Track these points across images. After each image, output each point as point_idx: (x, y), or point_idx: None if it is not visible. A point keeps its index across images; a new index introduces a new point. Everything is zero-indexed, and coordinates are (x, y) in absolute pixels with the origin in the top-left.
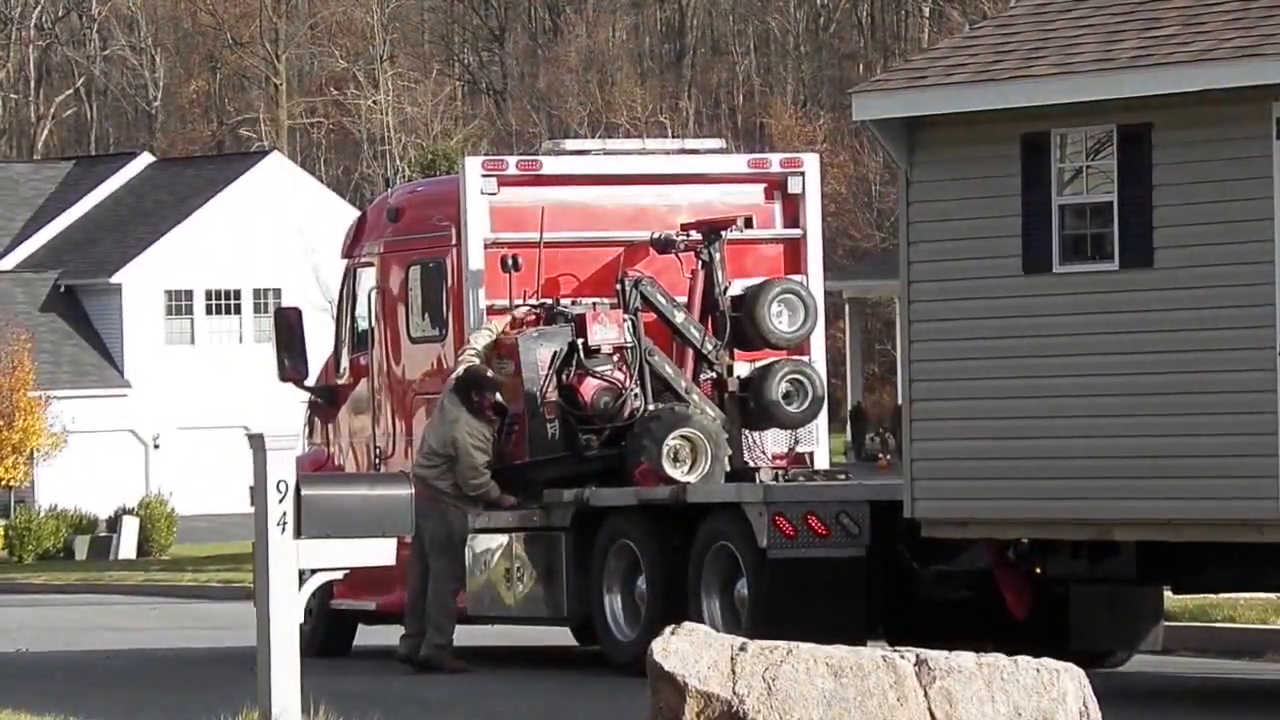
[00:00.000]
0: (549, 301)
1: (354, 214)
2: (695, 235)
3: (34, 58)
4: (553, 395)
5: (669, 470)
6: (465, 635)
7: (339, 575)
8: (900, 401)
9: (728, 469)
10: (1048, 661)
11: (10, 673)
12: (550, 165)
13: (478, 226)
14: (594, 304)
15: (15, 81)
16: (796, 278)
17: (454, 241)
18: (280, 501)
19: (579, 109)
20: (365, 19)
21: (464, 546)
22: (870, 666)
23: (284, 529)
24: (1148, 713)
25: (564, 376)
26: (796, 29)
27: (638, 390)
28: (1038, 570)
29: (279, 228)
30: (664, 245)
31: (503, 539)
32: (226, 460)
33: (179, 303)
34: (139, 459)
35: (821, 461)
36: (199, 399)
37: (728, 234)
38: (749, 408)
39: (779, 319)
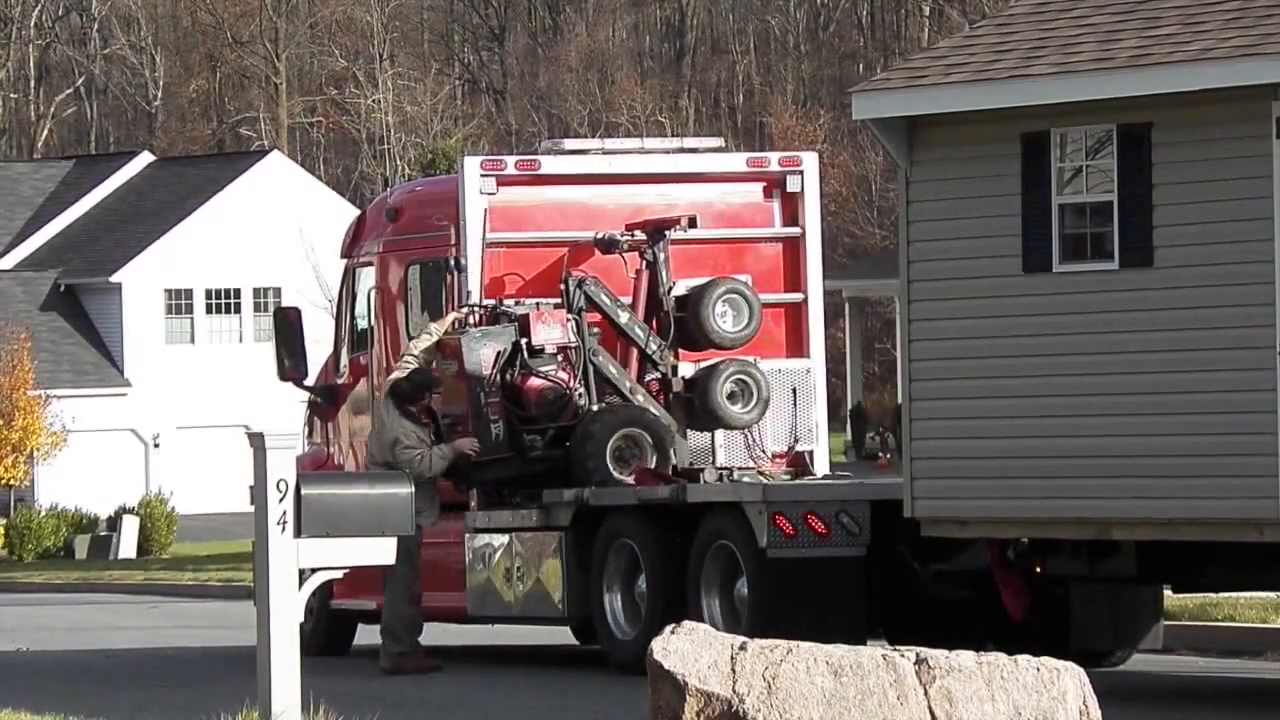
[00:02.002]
0: (491, 302)
1: (354, 213)
2: (640, 235)
3: (34, 57)
4: (497, 395)
5: (613, 470)
6: (466, 635)
7: (339, 575)
8: (900, 401)
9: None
10: (1048, 661)
11: (10, 673)
12: (549, 165)
13: (476, 226)
14: (537, 304)
15: (15, 81)
16: (742, 277)
17: (453, 241)
18: (280, 501)
19: (579, 108)
20: (365, 18)
21: (418, 551)
22: (870, 666)
23: (284, 528)
24: (1148, 713)
25: (508, 376)
26: (796, 28)
27: (582, 390)
28: (1037, 570)
29: (279, 227)
30: (607, 245)
31: (503, 538)
32: (226, 460)
33: (179, 302)
34: (139, 458)
35: (821, 461)
36: (199, 398)
37: (671, 233)
38: (694, 408)
39: (723, 319)
